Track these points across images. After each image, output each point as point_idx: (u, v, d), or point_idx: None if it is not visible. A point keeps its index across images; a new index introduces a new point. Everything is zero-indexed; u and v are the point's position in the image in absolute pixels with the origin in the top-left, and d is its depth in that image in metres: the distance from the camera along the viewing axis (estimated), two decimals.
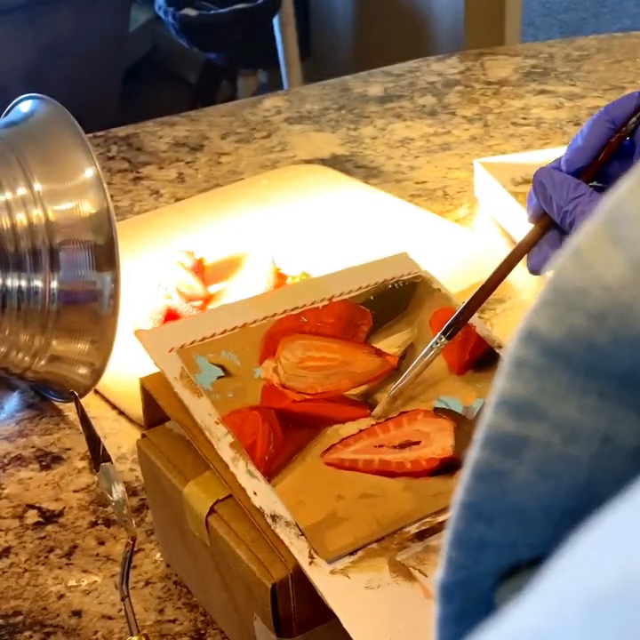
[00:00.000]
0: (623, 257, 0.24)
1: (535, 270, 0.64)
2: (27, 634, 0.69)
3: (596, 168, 0.62)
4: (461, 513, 0.28)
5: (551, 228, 0.63)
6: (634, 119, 0.61)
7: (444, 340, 0.64)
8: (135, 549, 0.74)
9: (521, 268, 1.04)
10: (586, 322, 0.25)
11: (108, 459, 0.73)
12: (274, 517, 0.57)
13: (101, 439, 0.75)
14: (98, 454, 0.74)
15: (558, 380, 0.26)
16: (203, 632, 0.68)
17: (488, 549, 0.28)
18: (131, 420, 0.86)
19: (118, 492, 0.72)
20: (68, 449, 0.84)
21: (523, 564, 0.27)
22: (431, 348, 0.65)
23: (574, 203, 0.60)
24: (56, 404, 0.89)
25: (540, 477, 0.27)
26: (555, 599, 0.21)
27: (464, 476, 0.28)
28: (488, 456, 0.27)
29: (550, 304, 0.25)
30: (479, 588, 0.28)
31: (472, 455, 0.27)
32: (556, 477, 0.27)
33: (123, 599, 0.65)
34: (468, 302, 0.65)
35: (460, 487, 0.28)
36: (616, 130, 0.62)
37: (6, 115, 0.88)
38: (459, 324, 0.65)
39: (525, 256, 0.65)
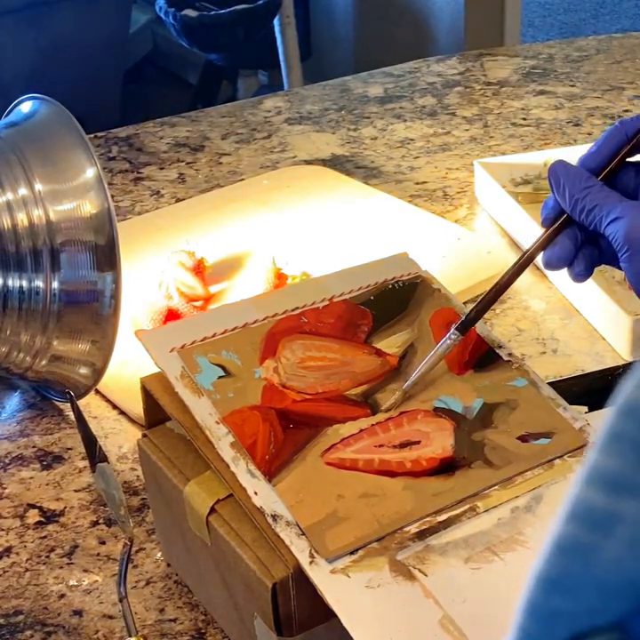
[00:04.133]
0: None
1: (550, 265, 0.65)
2: (28, 633, 0.69)
3: (609, 174, 0.64)
4: (540, 585, 0.27)
5: (566, 227, 0.65)
6: None
7: (458, 334, 0.66)
8: (136, 549, 0.74)
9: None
10: None
11: (104, 459, 0.74)
12: (274, 517, 0.57)
13: (98, 440, 0.75)
14: (94, 455, 0.74)
15: None
16: (203, 631, 0.68)
17: (563, 618, 0.27)
18: (131, 420, 0.86)
19: (115, 492, 0.72)
20: (69, 448, 0.84)
21: (596, 629, 0.27)
22: (445, 342, 0.66)
23: (586, 192, 0.62)
24: (57, 403, 0.89)
25: (631, 555, 0.26)
26: None
27: (546, 548, 0.27)
28: (575, 530, 0.26)
29: None
30: None
31: (557, 528, 0.27)
32: None
33: (120, 600, 0.66)
34: (483, 298, 0.67)
35: (540, 558, 0.27)
36: (628, 140, 0.64)
37: (7, 115, 0.88)
38: (473, 320, 0.67)
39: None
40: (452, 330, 0.66)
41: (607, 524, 0.26)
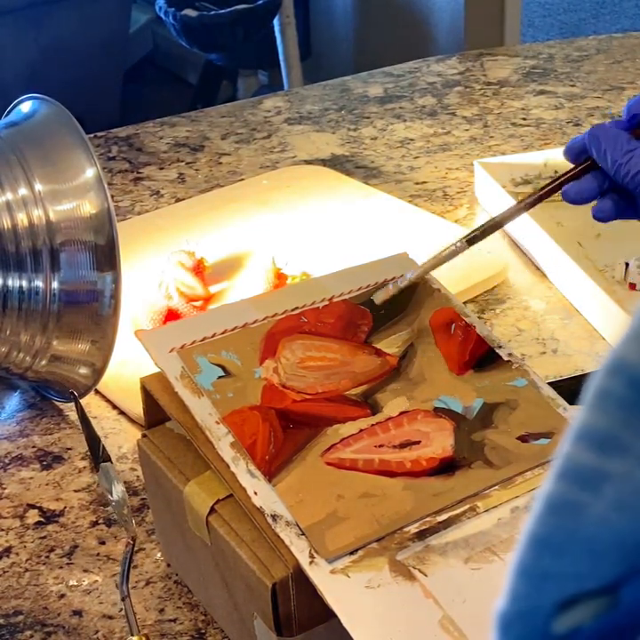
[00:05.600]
0: None
1: (568, 196, 0.65)
2: (27, 633, 0.69)
3: None
4: (531, 544, 0.27)
5: (592, 168, 0.64)
6: None
7: (464, 244, 0.65)
8: (136, 549, 0.74)
9: (521, 269, 1.04)
10: None
11: (107, 459, 0.74)
12: (274, 517, 0.57)
13: (101, 439, 0.75)
14: (98, 454, 0.74)
15: None
16: (203, 631, 0.68)
17: (553, 580, 0.27)
18: (131, 420, 0.86)
19: (118, 491, 0.72)
20: (69, 449, 0.84)
21: (585, 594, 0.27)
22: (448, 247, 0.65)
23: (629, 155, 0.62)
24: (57, 403, 0.89)
25: (619, 512, 0.26)
26: None
27: (536, 507, 0.27)
28: (564, 489, 0.26)
29: None
30: (538, 617, 0.28)
31: (546, 487, 0.27)
32: (635, 512, 0.26)
33: (123, 599, 0.66)
34: (498, 216, 0.66)
35: (530, 518, 0.27)
36: None
37: (7, 115, 0.88)
38: (484, 234, 0.66)
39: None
40: (459, 239, 0.65)
41: (595, 482, 0.26)
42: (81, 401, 0.83)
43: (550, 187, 0.66)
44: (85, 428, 0.76)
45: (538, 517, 0.27)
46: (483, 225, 0.66)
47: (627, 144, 0.62)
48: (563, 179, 0.66)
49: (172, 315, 0.95)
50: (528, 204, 0.66)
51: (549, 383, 0.69)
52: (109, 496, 0.72)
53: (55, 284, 0.80)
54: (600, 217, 0.65)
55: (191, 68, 2.96)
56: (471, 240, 0.66)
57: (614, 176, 0.63)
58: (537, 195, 0.66)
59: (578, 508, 0.26)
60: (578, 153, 0.65)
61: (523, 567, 0.28)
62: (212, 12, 2.55)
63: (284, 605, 0.56)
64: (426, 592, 0.54)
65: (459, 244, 0.65)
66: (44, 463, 0.83)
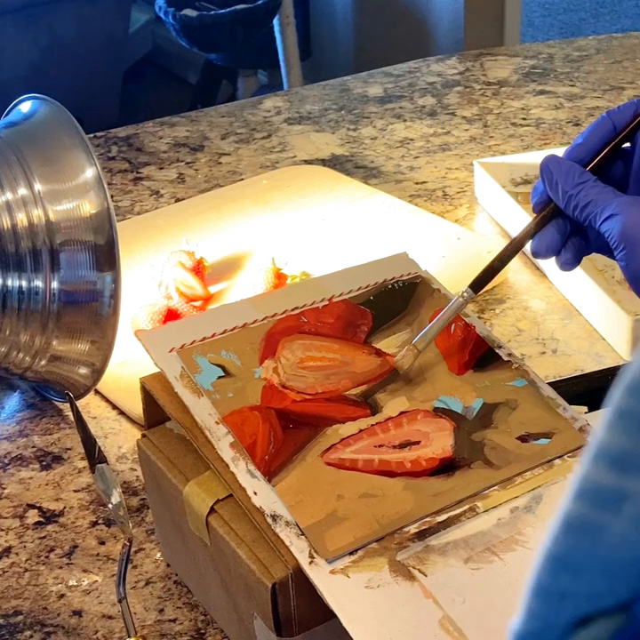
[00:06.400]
0: None
1: (539, 253, 0.65)
2: (27, 633, 0.69)
3: (598, 165, 0.64)
4: (548, 564, 0.27)
5: (555, 216, 0.65)
6: (634, 124, 0.64)
7: (471, 292, 0.66)
8: (135, 549, 0.74)
9: (521, 269, 1.04)
10: None
11: (103, 460, 0.73)
12: (274, 517, 0.57)
13: (97, 440, 0.75)
14: (94, 456, 0.74)
15: None
16: (203, 631, 0.68)
17: (569, 599, 0.27)
18: (131, 420, 0.86)
19: (115, 493, 0.72)
20: (69, 449, 0.84)
21: (602, 611, 0.27)
22: (457, 299, 0.66)
23: (579, 188, 0.62)
24: (56, 403, 0.89)
25: (637, 533, 0.26)
26: None
27: (553, 526, 0.27)
28: (582, 509, 0.26)
29: None
30: (553, 635, 0.28)
31: (564, 506, 0.27)
32: None
33: (120, 601, 0.66)
34: (493, 262, 0.67)
35: (547, 537, 0.27)
36: (617, 133, 0.64)
37: (7, 115, 0.88)
38: (486, 281, 0.67)
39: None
40: (465, 288, 0.66)
41: (614, 501, 0.26)
42: (81, 401, 0.83)
43: (515, 242, 0.67)
44: (81, 430, 0.76)
45: (555, 537, 0.27)
46: (483, 270, 0.67)
47: (578, 176, 0.62)
48: (526, 233, 0.66)
49: (171, 315, 0.95)
50: (497, 266, 0.67)
51: (549, 383, 0.69)
52: (105, 498, 0.72)
53: (55, 284, 0.80)
54: (569, 269, 0.66)
55: (191, 68, 2.96)
56: (475, 287, 0.67)
57: (565, 209, 0.63)
58: (505, 256, 0.67)
59: (596, 527, 0.26)
60: (544, 203, 0.65)
61: (539, 586, 0.28)
62: (212, 12, 2.55)
63: (284, 605, 0.56)
64: (426, 592, 0.54)
65: (466, 294, 0.66)
66: (44, 463, 0.83)
